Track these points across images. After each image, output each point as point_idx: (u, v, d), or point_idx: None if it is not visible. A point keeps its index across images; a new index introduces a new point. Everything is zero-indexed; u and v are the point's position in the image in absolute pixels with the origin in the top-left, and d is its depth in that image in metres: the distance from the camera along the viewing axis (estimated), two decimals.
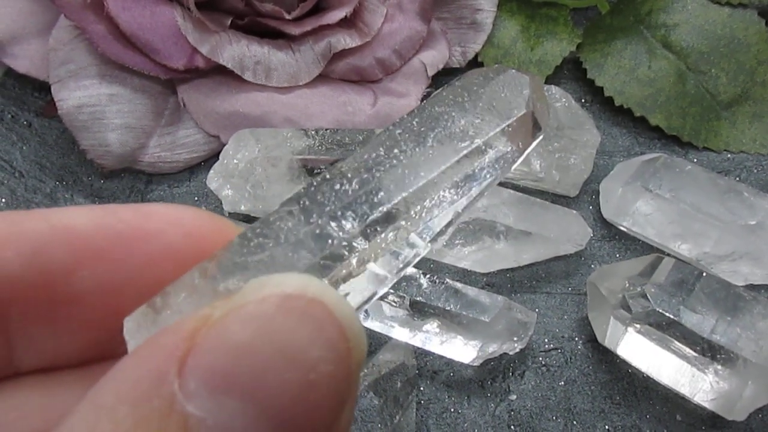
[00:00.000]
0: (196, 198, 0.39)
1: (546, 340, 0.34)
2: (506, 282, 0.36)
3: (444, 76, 0.42)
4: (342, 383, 0.13)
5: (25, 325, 0.15)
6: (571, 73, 0.44)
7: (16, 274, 0.15)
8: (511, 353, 0.32)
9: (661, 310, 0.30)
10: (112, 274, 0.16)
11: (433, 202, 0.16)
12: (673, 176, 0.35)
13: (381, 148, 0.16)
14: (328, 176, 0.16)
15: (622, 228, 0.37)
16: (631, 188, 0.36)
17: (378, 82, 0.41)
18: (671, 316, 0.29)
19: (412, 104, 0.40)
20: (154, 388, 0.12)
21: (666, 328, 0.30)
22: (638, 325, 0.31)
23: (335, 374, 0.13)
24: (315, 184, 0.16)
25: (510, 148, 0.17)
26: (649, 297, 0.30)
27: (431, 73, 0.42)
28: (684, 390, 0.31)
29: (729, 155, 0.40)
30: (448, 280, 0.32)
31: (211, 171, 0.36)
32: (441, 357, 0.32)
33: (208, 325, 0.13)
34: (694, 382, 0.30)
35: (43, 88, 0.41)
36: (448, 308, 0.31)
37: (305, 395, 0.12)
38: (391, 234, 0.16)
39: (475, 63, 0.43)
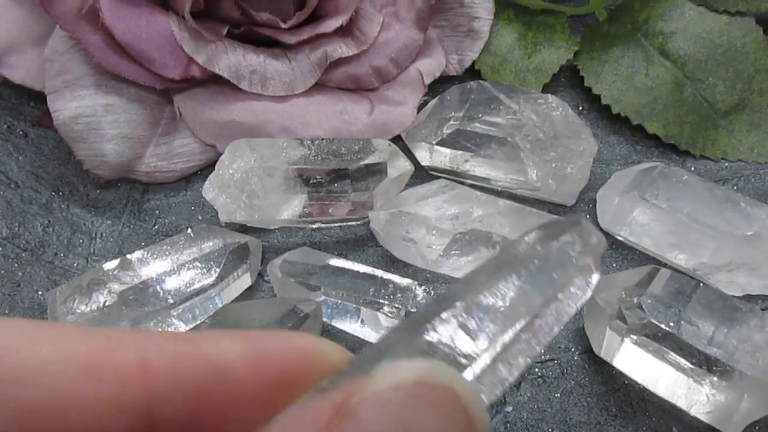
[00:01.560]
0: (192, 207, 0.39)
1: (542, 351, 0.34)
2: None
3: (441, 84, 0.42)
4: None
5: None
6: (569, 80, 0.44)
7: (174, 413, 0.15)
8: None
9: (656, 322, 0.30)
10: (257, 414, 0.16)
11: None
12: (669, 186, 0.35)
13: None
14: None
15: (618, 237, 0.37)
16: (628, 198, 0.36)
17: (374, 90, 0.41)
18: (667, 328, 0.29)
19: (409, 113, 0.40)
20: None
21: (662, 340, 0.30)
22: (634, 337, 0.30)
23: None
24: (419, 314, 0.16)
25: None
26: (645, 308, 0.30)
27: (428, 81, 0.42)
28: (680, 402, 0.30)
29: (726, 164, 0.40)
30: (442, 291, 0.32)
31: (207, 181, 0.36)
32: None
33: (343, 414, 0.13)
34: (690, 394, 0.30)
35: (39, 97, 0.41)
36: None
37: None
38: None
39: (471, 71, 0.43)
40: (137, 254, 0.33)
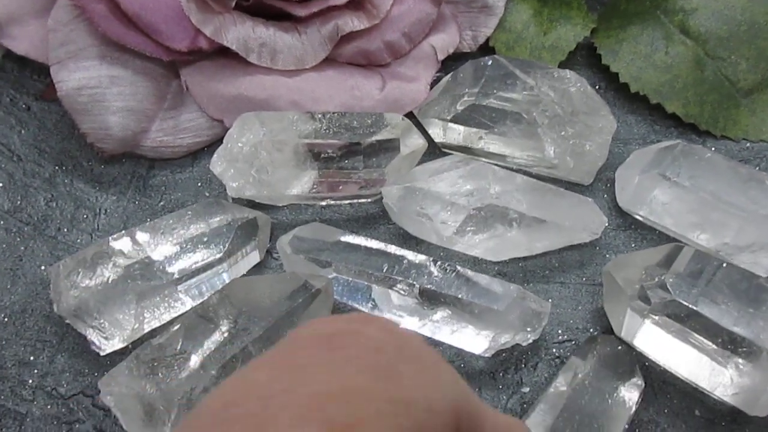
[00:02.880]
0: (199, 184, 0.38)
1: (560, 331, 0.33)
2: (518, 271, 0.34)
3: (453, 62, 0.41)
4: None
5: None
6: (585, 59, 0.43)
7: None
8: (523, 344, 0.31)
9: (681, 301, 0.28)
10: None
11: None
12: (692, 164, 0.34)
13: None
14: None
15: (638, 217, 0.36)
16: (649, 176, 0.35)
17: (386, 66, 0.40)
18: (692, 307, 0.28)
19: (422, 89, 0.39)
20: None
21: (685, 320, 0.29)
22: (656, 317, 0.29)
23: None
24: None
25: None
26: (669, 287, 0.29)
27: (441, 57, 0.41)
28: (703, 384, 0.29)
29: (748, 144, 0.39)
30: (459, 267, 0.31)
31: (215, 155, 0.35)
32: (451, 347, 0.31)
33: None
34: (713, 375, 0.29)
35: (42, 71, 0.40)
36: (459, 296, 0.30)
37: None
38: None
39: (485, 48, 0.42)
40: (143, 228, 0.32)
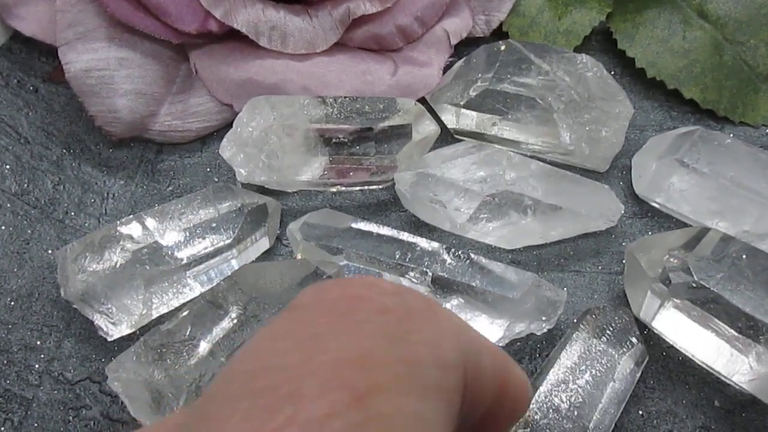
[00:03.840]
0: (208, 169, 0.37)
1: (575, 321, 0.32)
2: (533, 259, 0.34)
3: (467, 46, 0.40)
4: None
5: None
6: (601, 44, 0.42)
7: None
8: (538, 333, 0.30)
9: (703, 284, 0.28)
10: None
11: None
12: (711, 150, 0.33)
13: None
14: None
15: (654, 204, 0.35)
16: (666, 163, 0.34)
17: (398, 50, 0.40)
18: (714, 290, 0.28)
19: (434, 74, 0.38)
20: None
21: (706, 305, 0.28)
22: (677, 300, 0.29)
23: None
24: None
25: None
26: (691, 269, 0.28)
27: (454, 42, 0.40)
28: (721, 369, 0.29)
29: (767, 130, 0.38)
30: (473, 255, 0.30)
31: (225, 139, 0.34)
32: None
33: None
34: (731, 362, 0.28)
35: (50, 52, 0.39)
36: (473, 285, 0.29)
37: None
38: None
39: (499, 33, 0.41)
40: (151, 213, 0.32)
